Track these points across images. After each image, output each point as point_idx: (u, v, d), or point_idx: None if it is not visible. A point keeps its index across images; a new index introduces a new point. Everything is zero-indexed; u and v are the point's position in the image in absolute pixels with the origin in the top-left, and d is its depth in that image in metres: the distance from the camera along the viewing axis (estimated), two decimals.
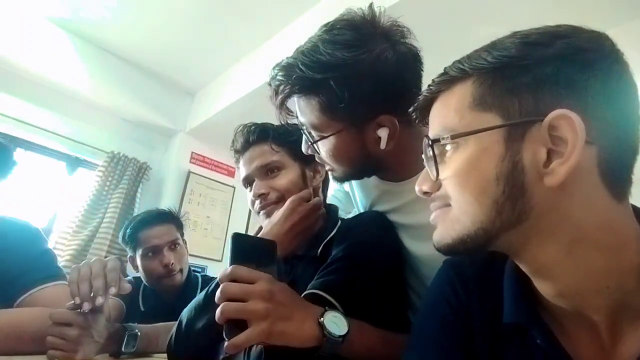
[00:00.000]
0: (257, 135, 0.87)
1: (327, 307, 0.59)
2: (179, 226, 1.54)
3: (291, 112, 0.73)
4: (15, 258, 0.88)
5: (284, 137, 0.86)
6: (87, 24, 2.66)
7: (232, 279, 0.55)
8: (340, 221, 0.84)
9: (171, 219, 1.52)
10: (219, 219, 3.33)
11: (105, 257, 2.68)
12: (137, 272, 1.47)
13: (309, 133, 0.72)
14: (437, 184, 0.45)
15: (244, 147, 0.87)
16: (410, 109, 0.50)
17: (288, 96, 0.68)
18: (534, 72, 0.39)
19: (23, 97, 2.62)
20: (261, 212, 0.84)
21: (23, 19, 2.52)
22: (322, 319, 0.56)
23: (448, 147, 0.43)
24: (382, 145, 0.67)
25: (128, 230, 1.45)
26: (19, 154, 2.63)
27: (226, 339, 0.51)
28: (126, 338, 0.84)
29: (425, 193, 0.47)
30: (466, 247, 0.42)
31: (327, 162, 0.75)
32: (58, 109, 2.77)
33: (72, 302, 0.71)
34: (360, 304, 0.66)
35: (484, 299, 0.50)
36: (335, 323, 0.57)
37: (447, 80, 0.44)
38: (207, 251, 3.13)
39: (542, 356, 0.44)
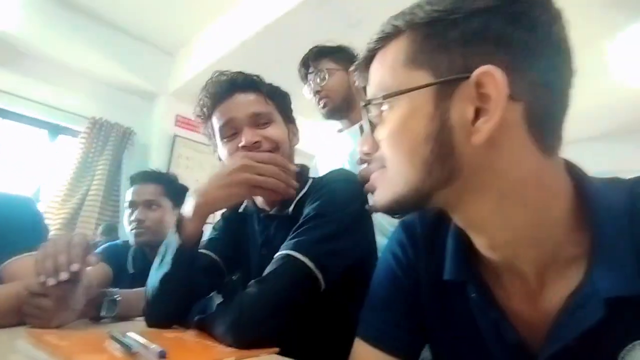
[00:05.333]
0: (248, 82, 0.82)
1: None
2: (170, 190, 1.51)
3: None
4: (13, 227, 0.91)
5: (276, 91, 0.84)
6: None
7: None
8: (311, 180, 0.84)
9: (157, 179, 1.50)
10: None
11: (97, 223, 2.70)
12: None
13: None
14: (376, 145, 0.45)
15: (228, 91, 0.81)
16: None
17: None
18: (462, 26, 0.37)
19: None
20: None
21: None
22: None
23: (384, 107, 0.43)
24: None
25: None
26: None
27: None
28: (105, 304, 0.86)
29: (366, 154, 0.47)
30: (401, 207, 0.43)
31: None
32: (33, 75, 2.67)
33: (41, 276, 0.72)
34: (333, 262, 0.67)
35: (430, 256, 0.52)
36: None
37: (383, 38, 0.43)
38: None
39: (476, 309, 0.46)
